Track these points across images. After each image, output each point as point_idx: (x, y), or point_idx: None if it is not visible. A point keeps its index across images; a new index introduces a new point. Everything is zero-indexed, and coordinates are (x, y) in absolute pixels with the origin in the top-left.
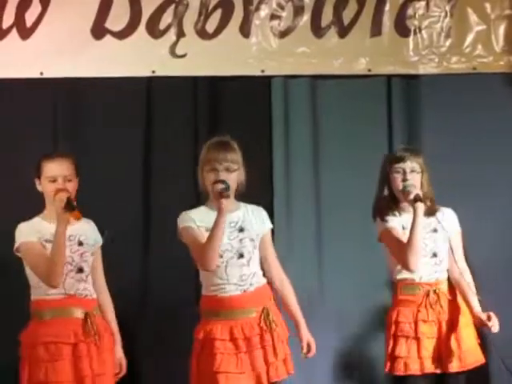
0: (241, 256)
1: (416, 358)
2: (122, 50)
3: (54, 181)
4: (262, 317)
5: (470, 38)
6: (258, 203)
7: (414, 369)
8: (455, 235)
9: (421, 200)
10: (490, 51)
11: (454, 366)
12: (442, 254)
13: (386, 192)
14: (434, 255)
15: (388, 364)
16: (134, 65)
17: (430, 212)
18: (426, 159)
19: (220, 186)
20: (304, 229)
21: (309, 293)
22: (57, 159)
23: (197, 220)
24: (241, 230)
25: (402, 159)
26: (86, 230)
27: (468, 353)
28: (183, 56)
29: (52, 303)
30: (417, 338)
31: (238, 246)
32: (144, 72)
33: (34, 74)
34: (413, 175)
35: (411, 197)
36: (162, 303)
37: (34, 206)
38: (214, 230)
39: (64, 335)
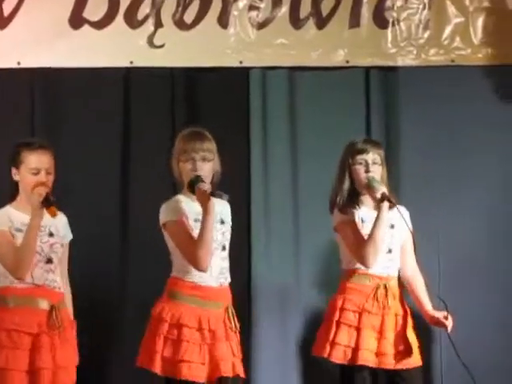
0: (223, 248)
1: (355, 348)
2: (100, 40)
3: (36, 173)
4: (227, 315)
5: (448, 30)
6: (235, 195)
7: (352, 358)
8: (408, 234)
9: (388, 199)
10: (468, 43)
11: (390, 363)
12: (396, 251)
13: (346, 183)
14: (389, 251)
15: (326, 349)
16: (112, 55)
17: (391, 206)
18: (388, 152)
19: (206, 186)
20: (281, 221)
21: (285, 286)
22: (39, 151)
23: (192, 213)
24: (222, 222)
25: (364, 151)
26: (57, 223)
27: (405, 353)
28: (161, 46)
29: (19, 291)
30: (359, 329)
31: (221, 238)
32: (122, 62)
33: (11, 63)
34: (375, 167)
35: (378, 195)
36: (141, 293)
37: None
38: (204, 232)
39: (27, 325)
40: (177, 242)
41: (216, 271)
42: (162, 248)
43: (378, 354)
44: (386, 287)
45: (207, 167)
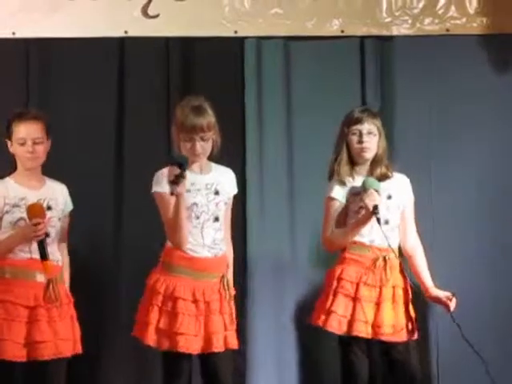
0: (216, 219)
1: (351, 319)
2: (95, 10)
3: (23, 143)
4: (222, 283)
5: (443, 0)
6: (230, 165)
7: (348, 329)
8: (409, 203)
9: (376, 215)
10: (463, 13)
11: (385, 335)
12: (394, 222)
13: (343, 153)
14: (386, 222)
15: (322, 317)
16: (107, 25)
17: (383, 176)
18: (383, 121)
19: (176, 172)
20: (276, 190)
21: (279, 253)
22: (26, 121)
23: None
24: (216, 192)
25: (359, 121)
26: (56, 195)
27: (400, 326)
28: (156, 16)
29: (17, 263)
30: (355, 299)
31: (214, 209)
32: (116, 32)
33: (6, 34)
34: (369, 137)
35: (370, 207)
36: (135, 259)
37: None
38: (175, 217)
39: (24, 297)
40: (161, 214)
41: (208, 241)
42: (155, 216)
43: (374, 325)
44: (385, 259)
45: (207, 146)
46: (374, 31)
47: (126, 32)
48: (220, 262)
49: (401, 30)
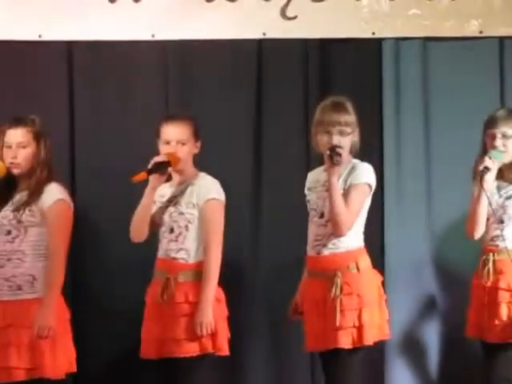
0: (321, 216)
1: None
2: (233, 12)
3: (167, 143)
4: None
5: None
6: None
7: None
8: None
9: (480, 175)
10: None
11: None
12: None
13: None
14: (501, 221)
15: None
16: (245, 27)
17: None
18: None
19: (330, 153)
20: (414, 186)
21: (417, 244)
22: (173, 122)
23: (308, 181)
24: (327, 190)
25: (494, 123)
26: (187, 190)
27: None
28: (294, 18)
29: (156, 263)
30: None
31: (321, 204)
32: (255, 34)
33: (145, 36)
34: (504, 140)
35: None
36: (273, 266)
37: None
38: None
39: (151, 295)
40: None
41: (311, 239)
42: (294, 219)
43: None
44: (492, 260)
45: (344, 141)
46: None
47: (264, 34)
48: (327, 260)
49: None
